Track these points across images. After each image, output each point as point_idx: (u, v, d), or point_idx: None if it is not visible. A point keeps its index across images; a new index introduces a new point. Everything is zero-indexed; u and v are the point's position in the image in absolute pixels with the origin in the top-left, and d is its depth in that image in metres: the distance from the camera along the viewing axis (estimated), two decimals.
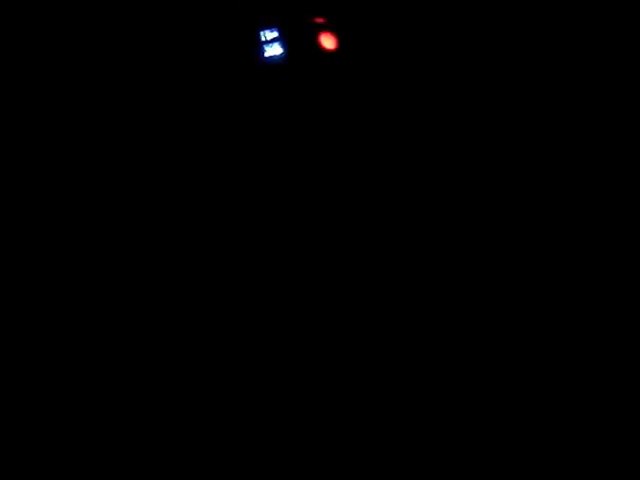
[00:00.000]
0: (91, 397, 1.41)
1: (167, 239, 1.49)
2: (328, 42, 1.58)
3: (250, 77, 1.57)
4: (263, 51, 1.57)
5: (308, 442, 1.39)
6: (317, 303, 1.48)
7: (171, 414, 1.40)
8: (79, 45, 1.54)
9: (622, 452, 1.33)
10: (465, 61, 1.56)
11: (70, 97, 1.53)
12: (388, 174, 1.55)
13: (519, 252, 1.48)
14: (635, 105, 1.50)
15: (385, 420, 1.40)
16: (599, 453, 1.34)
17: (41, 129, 1.52)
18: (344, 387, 1.43)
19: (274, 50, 1.57)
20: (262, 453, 1.38)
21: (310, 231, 1.52)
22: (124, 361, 1.43)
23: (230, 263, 1.50)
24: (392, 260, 1.50)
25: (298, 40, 1.58)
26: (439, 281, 1.48)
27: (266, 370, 1.44)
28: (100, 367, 1.42)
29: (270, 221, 1.52)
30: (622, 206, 1.48)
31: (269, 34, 1.57)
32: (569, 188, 1.50)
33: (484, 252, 1.49)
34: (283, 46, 1.57)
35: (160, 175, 1.52)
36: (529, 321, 1.44)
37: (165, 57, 1.56)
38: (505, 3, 1.53)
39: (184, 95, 1.56)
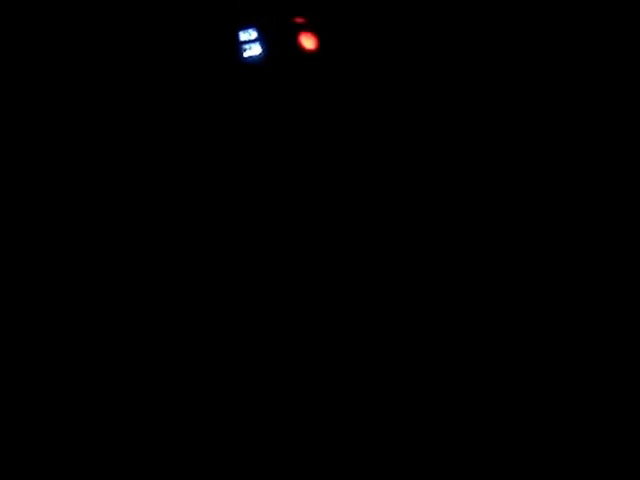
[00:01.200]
0: (91, 397, 1.37)
1: (148, 236, 1.46)
2: (308, 42, 1.56)
3: (229, 77, 1.55)
4: (242, 51, 1.55)
5: (308, 442, 1.35)
6: (313, 302, 1.44)
7: (171, 414, 1.36)
8: (56, 46, 1.52)
9: (622, 452, 1.30)
10: (447, 61, 1.55)
11: (52, 96, 1.50)
12: (368, 174, 1.52)
13: (518, 251, 1.46)
14: (635, 105, 1.49)
15: (385, 420, 1.36)
16: (599, 453, 1.31)
17: (27, 128, 1.49)
18: (344, 387, 1.39)
19: (253, 50, 1.55)
20: (262, 453, 1.34)
21: (291, 232, 1.49)
22: (124, 360, 1.39)
23: (211, 263, 1.46)
24: (381, 261, 1.47)
25: (278, 40, 1.56)
26: (437, 279, 1.45)
27: (266, 370, 1.40)
28: (100, 366, 1.38)
29: (252, 221, 1.49)
30: (622, 206, 1.47)
31: (248, 34, 1.55)
32: (569, 188, 1.49)
33: (481, 252, 1.46)
34: (263, 46, 1.55)
35: (139, 175, 1.49)
36: (529, 321, 1.41)
37: (143, 58, 1.54)
38: (489, 3, 1.52)
39: (162, 95, 1.53)
